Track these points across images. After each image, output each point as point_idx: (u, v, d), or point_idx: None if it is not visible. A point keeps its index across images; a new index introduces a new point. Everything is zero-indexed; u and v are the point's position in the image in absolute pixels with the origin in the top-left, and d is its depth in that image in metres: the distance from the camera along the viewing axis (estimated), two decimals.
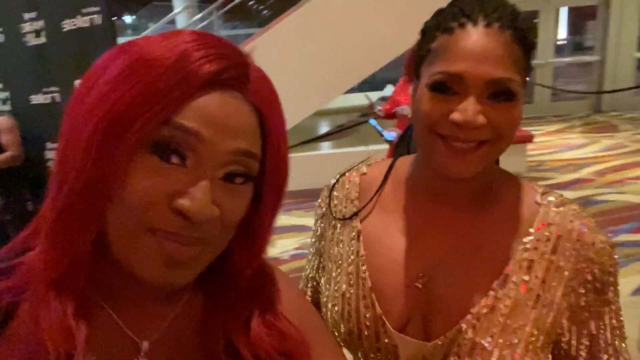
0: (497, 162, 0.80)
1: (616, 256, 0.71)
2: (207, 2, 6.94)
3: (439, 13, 0.69)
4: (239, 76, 0.45)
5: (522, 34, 0.64)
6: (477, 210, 0.73)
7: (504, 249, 0.71)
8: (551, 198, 0.73)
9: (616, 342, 0.72)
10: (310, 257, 0.91)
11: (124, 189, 0.41)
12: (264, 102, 0.47)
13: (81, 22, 2.24)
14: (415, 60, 0.71)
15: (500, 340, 0.67)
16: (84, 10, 2.26)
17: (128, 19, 11.05)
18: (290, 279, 0.66)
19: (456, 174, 0.67)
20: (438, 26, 0.67)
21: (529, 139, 5.32)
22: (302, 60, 4.78)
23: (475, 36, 0.63)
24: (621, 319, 0.73)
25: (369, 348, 0.75)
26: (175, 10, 7.99)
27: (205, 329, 0.53)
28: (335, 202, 0.84)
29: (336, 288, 0.79)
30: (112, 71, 0.43)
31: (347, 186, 0.84)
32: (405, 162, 0.81)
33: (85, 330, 0.44)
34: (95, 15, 2.24)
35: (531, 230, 0.71)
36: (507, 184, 0.75)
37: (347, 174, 0.86)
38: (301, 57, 4.78)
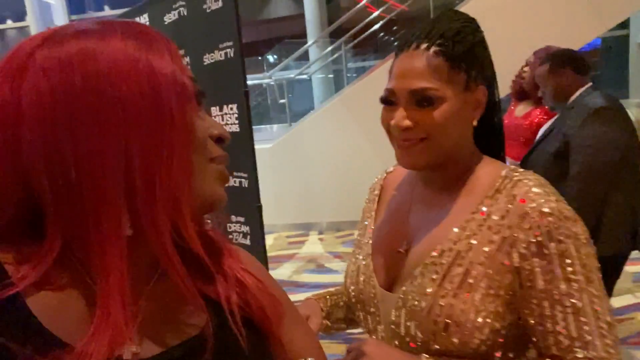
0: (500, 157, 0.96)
1: (575, 229, 0.77)
2: (337, 37, 6.89)
3: None
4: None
5: (447, 48, 0.82)
6: (455, 189, 0.90)
7: (462, 215, 0.85)
8: (515, 172, 0.86)
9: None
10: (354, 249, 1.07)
11: (197, 133, 0.53)
12: None
13: (218, 55, 2.52)
14: None
15: (447, 285, 0.81)
16: (221, 45, 2.49)
17: (270, 58, 11.56)
18: (254, 258, 0.72)
19: (407, 164, 0.89)
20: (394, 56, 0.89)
21: None
22: None
23: (403, 59, 0.86)
24: (593, 297, 0.75)
25: (364, 302, 0.96)
26: (308, 44, 8.23)
27: (179, 295, 0.55)
28: (367, 195, 1.10)
29: (352, 251, 1.05)
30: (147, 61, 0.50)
31: (374, 183, 1.11)
32: None
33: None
34: (229, 50, 2.46)
35: (486, 197, 0.85)
36: (486, 166, 0.90)
37: (378, 176, 1.11)
38: None
